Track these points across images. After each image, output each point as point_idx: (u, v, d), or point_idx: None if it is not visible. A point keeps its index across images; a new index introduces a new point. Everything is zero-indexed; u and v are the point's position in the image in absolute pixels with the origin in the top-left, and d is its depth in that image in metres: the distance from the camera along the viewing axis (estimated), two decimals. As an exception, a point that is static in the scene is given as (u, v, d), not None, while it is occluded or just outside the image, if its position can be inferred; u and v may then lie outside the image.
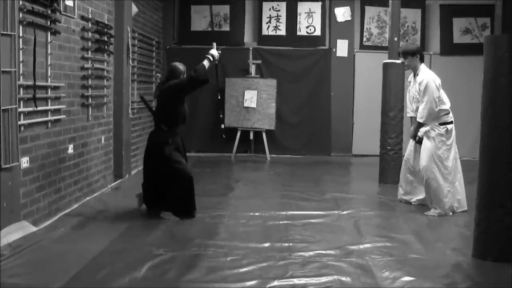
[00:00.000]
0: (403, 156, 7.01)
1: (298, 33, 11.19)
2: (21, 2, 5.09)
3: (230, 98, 10.69)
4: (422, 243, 5.18)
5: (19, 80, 5.03)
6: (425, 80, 6.28)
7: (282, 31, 11.20)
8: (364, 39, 11.28)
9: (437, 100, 6.22)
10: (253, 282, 4.10)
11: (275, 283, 4.09)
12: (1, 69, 4.67)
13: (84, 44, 6.70)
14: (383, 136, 8.09)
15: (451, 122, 6.37)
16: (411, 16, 11.20)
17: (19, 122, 5.04)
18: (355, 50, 11.20)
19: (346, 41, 11.14)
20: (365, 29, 11.26)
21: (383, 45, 10.93)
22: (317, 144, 11.25)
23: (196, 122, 10.61)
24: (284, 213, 6.26)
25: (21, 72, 5.11)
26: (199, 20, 11.11)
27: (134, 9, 8.44)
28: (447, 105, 6.35)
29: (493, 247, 4.62)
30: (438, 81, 6.32)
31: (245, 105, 10.62)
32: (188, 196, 5.96)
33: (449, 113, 6.36)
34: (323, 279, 4.18)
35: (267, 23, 11.18)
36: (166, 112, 6.01)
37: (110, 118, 7.76)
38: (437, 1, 11.25)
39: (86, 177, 6.83)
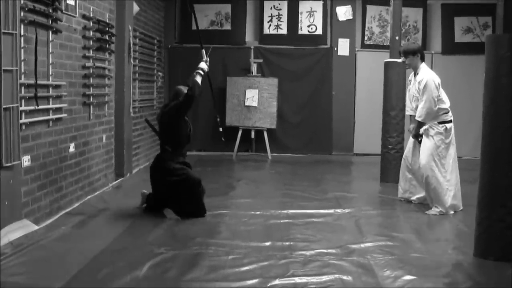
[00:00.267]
0: (404, 155, 7.02)
1: (300, 32, 11.18)
2: (22, 1, 5.09)
3: (232, 97, 10.70)
4: (423, 242, 5.18)
5: (20, 78, 5.03)
6: (425, 79, 6.28)
7: (284, 30, 11.19)
8: (366, 38, 11.27)
9: (436, 99, 6.23)
10: (254, 281, 4.10)
11: (276, 282, 4.09)
12: (3, 68, 4.67)
13: (86, 43, 6.70)
14: (385, 135, 8.09)
15: (450, 121, 6.37)
16: (413, 15, 11.19)
17: (21, 121, 5.04)
18: (356, 49, 11.19)
19: (348, 40, 11.13)
20: (366, 28, 11.25)
21: (385, 44, 10.91)
22: (319, 143, 11.25)
23: (197, 121, 10.60)
24: (285, 212, 6.26)
25: (22, 70, 5.11)
26: (201, 19, 11.09)
27: (136, 8, 8.44)
28: (446, 104, 6.35)
29: (494, 247, 4.62)
30: (437, 80, 6.32)
31: (247, 104, 10.62)
32: (196, 199, 5.96)
33: (448, 112, 6.36)
34: (324, 278, 4.18)
35: (268, 22, 11.18)
36: (170, 133, 6.05)
37: (112, 117, 7.76)
38: (438, 0, 11.24)
39: (88, 175, 6.83)
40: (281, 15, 11.16)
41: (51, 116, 5.75)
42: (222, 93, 10.68)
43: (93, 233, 5.39)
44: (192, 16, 10.85)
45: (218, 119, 6.89)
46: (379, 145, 8.23)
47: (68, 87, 6.20)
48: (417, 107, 6.45)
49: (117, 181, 7.83)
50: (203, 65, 6.06)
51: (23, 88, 5.15)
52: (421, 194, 6.65)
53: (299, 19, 11.16)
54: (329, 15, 11.18)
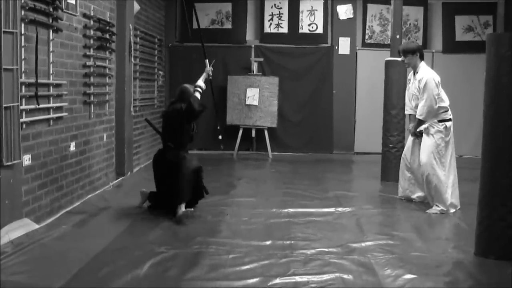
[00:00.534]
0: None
1: (300, 30, 11.18)
2: (23, 0, 5.09)
3: (232, 96, 10.69)
4: (424, 241, 5.18)
5: (21, 77, 5.03)
6: (425, 77, 6.28)
7: (284, 29, 11.19)
8: (366, 36, 11.26)
9: (436, 97, 6.23)
10: (255, 280, 4.10)
11: (277, 280, 4.09)
12: (3, 67, 4.67)
13: (86, 41, 6.70)
14: (385, 134, 8.09)
15: (450, 120, 6.37)
16: (413, 13, 11.18)
17: (21, 120, 5.04)
18: (357, 48, 11.18)
19: (348, 38, 11.12)
20: (367, 27, 11.25)
21: (385, 43, 10.91)
22: (319, 142, 11.24)
23: (198, 120, 10.57)
24: (286, 211, 6.26)
25: (23, 69, 5.11)
26: (201, 18, 11.07)
27: (136, 7, 8.44)
28: (446, 102, 6.35)
29: (495, 245, 4.62)
30: (437, 78, 6.32)
31: (247, 102, 10.62)
32: (196, 181, 5.96)
33: (448, 110, 6.36)
34: (325, 276, 4.18)
35: (269, 20, 11.18)
36: (172, 133, 6.09)
37: (112, 115, 7.76)
38: (439, -1, 11.25)
39: (88, 174, 6.83)
40: (282, 13, 11.16)
41: (51, 115, 5.75)
42: (223, 91, 10.68)
43: (94, 232, 5.39)
44: (193, 16, 10.93)
45: (219, 127, 6.92)
46: (380, 143, 8.23)
47: (68, 86, 6.20)
48: (416, 106, 6.46)
49: (117, 180, 7.83)
50: (201, 82, 6.09)
51: (23, 87, 5.15)
52: (421, 193, 6.66)
53: (300, 17, 11.16)
54: (329, 13, 11.17)
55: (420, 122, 6.38)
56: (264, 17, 11.18)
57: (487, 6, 11.01)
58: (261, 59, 10.97)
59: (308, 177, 8.55)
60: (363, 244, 5.02)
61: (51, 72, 5.71)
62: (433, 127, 6.31)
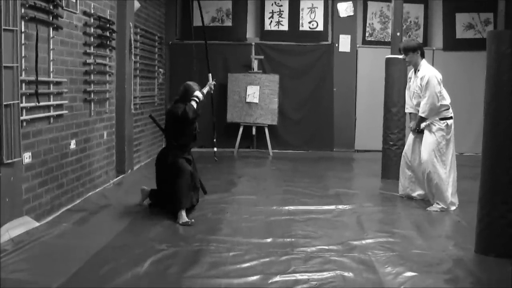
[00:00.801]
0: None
1: (301, 28, 11.17)
2: (23, -2, 5.09)
3: (233, 93, 10.69)
4: (424, 239, 5.18)
5: (21, 75, 5.03)
6: (427, 75, 6.28)
7: (285, 26, 11.18)
8: (367, 34, 11.26)
9: (438, 95, 6.23)
10: (255, 278, 4.10)
11: (277, 278, 4.09)
12: (3, 64, 4.67)
13: (86, 39, 6.70)
14: (386, 132, 8.09)
15: (451, 118, 6.37)
16: (414, 11, 11.17)
17: (21, 118, 5.04)
18: (357, 46, 11.17)
19: (349, 36, 11.11)
20: (367, 24, 11.24)
21: (386, 40, 10.92)
22: (320, 140, 11.24)
23: (198, 119, 10.57)
24: (286, 208, 6.26)
25: (23, 67, 5.11)
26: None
27: (136, 4, 8.43)
28: (447, 100, 6.35)
29: (495, 243, 4.62)
30: (439, 76, 6.32)
31: (248, 100, 10.61)
32: (178, 184, 5.85)
33: (449, 108, 6.36)
34: (326, 274, 4.18)
35: (269, 18, 11.17)
36: (173, 132, 6.09)
37: (113, 113, 7.76)
38: (439, -4, 11.24)
39: (89, 172, 6.83)
40: (282, 11, 11.15)
41: (52, 113, 5.75)
42: (223, 89, 10.68)
43: (94, 230, 5.39)
44: (193, 13, 10.93)
45: (215, 140, 6.96)
46: (380, 141, 8.23)
47: (69, 83, 6.20)
48: (417, 104, 6.46)
49: (118, 177, 7.83)
50: (198, 93, 6.11)
51: (24, 84, 5.15)
52: (421, 191, 6.66)
53: (300, 15, 11.15)
54: (330, 11, 11.16)
55: (422, 120, 6.38)
56: (265, 15, 11.17)
57: (488, 4, 11.00)
58: (262, 57, 10.96)
59: (308, 175, 8.56)
60: (363, 242, 5.03)
61: (51, 70, 5.71)
62: (435, 125, 6.31)
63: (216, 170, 8.75)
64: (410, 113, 6.78)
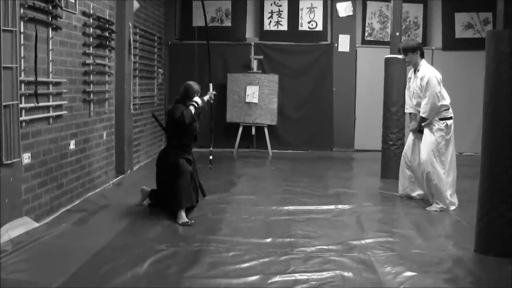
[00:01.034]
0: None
1: (300, 28, 11.17)
2: (22, -2, 5.09)
3: (232, 93, 10.69)
4: (423, 238, 5.18)
5: (20, 76, 5.03)
6: (427, 75, 6.28)
7: (284, 26, 11.18)
8: (366, 34, 11.26)
9: (438, 95, 6.23)
10: (255, 278, 4.10)
11: (277, 278, 4.09)
12: (3, 65, 4.67)
13: (86, 39, 6.69)
14: (385, 131, 8.09)
15: (451, 118, 6.37)
16: (413, 11, 11.17)
17: (21, 118, 5.04)
18: (357, 45, 11.17)
19: (348, 36, 11.11)
20: (367, 24, 11.24)
21: (385, 40, 10.93)
22: (319, 140, 11.24)
23: (198, 119, 10.58)
24: (286, 208, 6.26)
25: (22, 68, 5.11)
26: (201, 15, 11.05)
27: (136, 4, 8.43)
28: (447, 100, 6.35)
29: (495, 242, 4.62)
30: (439, 76, 6.32)
31: (247, 100, 10.61)
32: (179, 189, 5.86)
33: (449, 108, 6.36)
34: (325, 274, 4.18)
35: (268, 18, 11.16)
36: (173, 132, 6.09)
37: (112, 113, 7.76)
38: (439, -4, 11.24)
39: (88, 172, 6.83)
40: (282, 11, 11.15)
41: (51, 113, 5.75)
42: (222, 89, 10.68)
43: (94, 230, 5.39)
44: (192, 13, 10.95)
45: (211, 149, 6.96)
46: (380, 141, 8.23)
47: (68, 84, 6.19)
48: (417, 104, 6.46)
49: (117, 178, 7.83)
50: (197, 99, 6.11)
51: (23, 85, 5.15)
52: (421, 191, 6.66)
53: (300, 15, 11.15)
54: (329, 11, 11.16)
55: (423, 120, 6.37)
56: (264, 15, 11.17)
57: (487, 3, 10.99)
58: (261, 57, 10.96)
59: (308, 175, 8.56)
60: (363, 242, 5.03)
61: (50, 70, 5.71)
62: (434, 125, 6.31)
63: (215, 170, 8.73)
64: (410, 113, 6.78)
